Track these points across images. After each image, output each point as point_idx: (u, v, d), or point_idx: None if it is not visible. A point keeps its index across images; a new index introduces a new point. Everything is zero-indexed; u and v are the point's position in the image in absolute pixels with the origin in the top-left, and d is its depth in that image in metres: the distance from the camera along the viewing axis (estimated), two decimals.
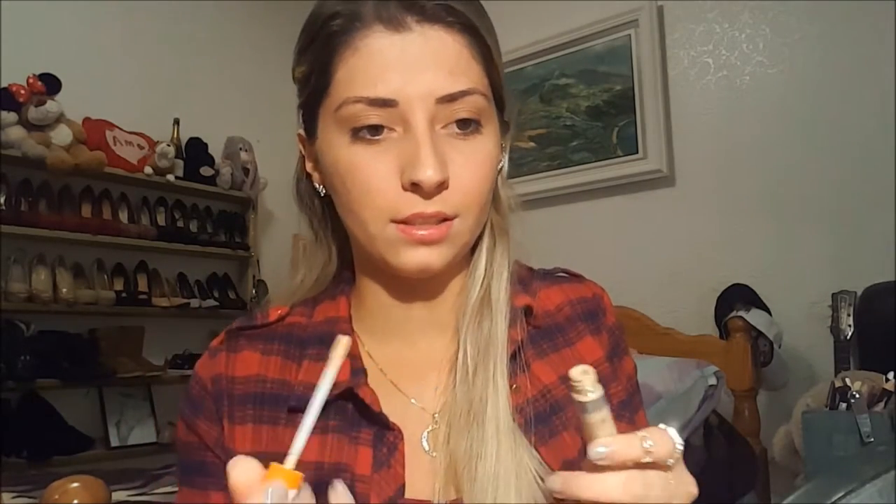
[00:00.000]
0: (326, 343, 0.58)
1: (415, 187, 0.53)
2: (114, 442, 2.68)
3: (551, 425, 0.59)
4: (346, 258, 0.66)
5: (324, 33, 0.56)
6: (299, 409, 0.54)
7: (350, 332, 0.61)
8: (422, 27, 0.53)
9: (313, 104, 0.59)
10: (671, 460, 0.41)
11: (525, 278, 0.65)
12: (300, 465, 0.46)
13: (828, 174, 2.18)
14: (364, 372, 0.59)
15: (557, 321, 0.63)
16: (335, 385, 0.54)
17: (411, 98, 0.53)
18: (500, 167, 0.62)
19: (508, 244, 0.63)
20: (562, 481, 0.40)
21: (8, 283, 2.48)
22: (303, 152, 0.65)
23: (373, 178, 0.54)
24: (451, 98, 0.53)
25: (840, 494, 0.37)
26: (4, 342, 2.40)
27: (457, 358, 0.59)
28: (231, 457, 0.54)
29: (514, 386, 0.57)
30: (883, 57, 2.09)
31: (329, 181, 0.59)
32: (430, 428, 0.59)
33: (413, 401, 0.60)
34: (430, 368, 0.62)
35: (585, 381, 0.40)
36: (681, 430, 1.64)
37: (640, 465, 0.40)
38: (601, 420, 0.40)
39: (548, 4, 2.78)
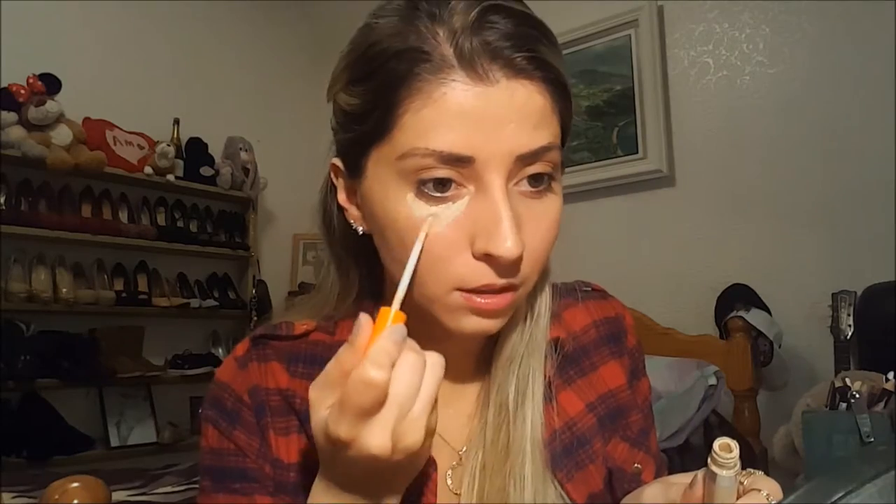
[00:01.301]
0: None
1: (489, 258, 0.49)
2: (114, 442, 2.68)
3: (577, 458, 0.58)
4: (374, 286, 0.62)
5: (387, 71, 0.49)
6: None
7: None
8: (508, 81, 0.48)
9: (365, 143, 0.51)
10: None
11: (559, 296, 0.63)
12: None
13: (828, 174, 2.18)
14: None
15: (583, 344, 0.63)
16: None
17: (490, 156, 0.48)
18: None
19: (548, 284, 0.60)
20: None
21: (8, 283, 2.48)
22: (334, 182, 0.58)
23: (440, 242, 0.49)
24: (532, 155, 0.49)
25: (840, 494, 0.36)
26: (4, 342, 2.41)
27: (489, 395, 0.58)
28: (282, 467, 0.56)
29: (542, 421, 0.57)
30: (883, 57, 2.08)
31: (377, 229, 0.53)
32: (454, 463, 0.58)
33: (440, 434, 0.57)
34: (456, 399, 0.60)
35: (731, 458, 0.43)
36: (681, 431, 1.64)
37: None
38: (729, 490, 0.43)
39: (548, 4, 2.76)
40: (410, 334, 0.60)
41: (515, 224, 0.48)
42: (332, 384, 0.44)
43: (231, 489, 0.57)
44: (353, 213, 0.56)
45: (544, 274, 0.60)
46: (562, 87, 0.51)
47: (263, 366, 0.59)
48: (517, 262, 0.49)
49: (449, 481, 0.57)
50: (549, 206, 0.52)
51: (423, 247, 0.49)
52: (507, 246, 0.47)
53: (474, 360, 0.61)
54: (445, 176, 0.48)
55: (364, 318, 0.45)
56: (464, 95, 0.47)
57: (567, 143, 0.55)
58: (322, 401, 0.45)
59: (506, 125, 0.47)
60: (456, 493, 0.56)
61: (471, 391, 0.61)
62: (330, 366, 0.45)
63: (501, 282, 0.50)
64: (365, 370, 0.42)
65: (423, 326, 0.52)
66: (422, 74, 0.47)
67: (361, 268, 0.61)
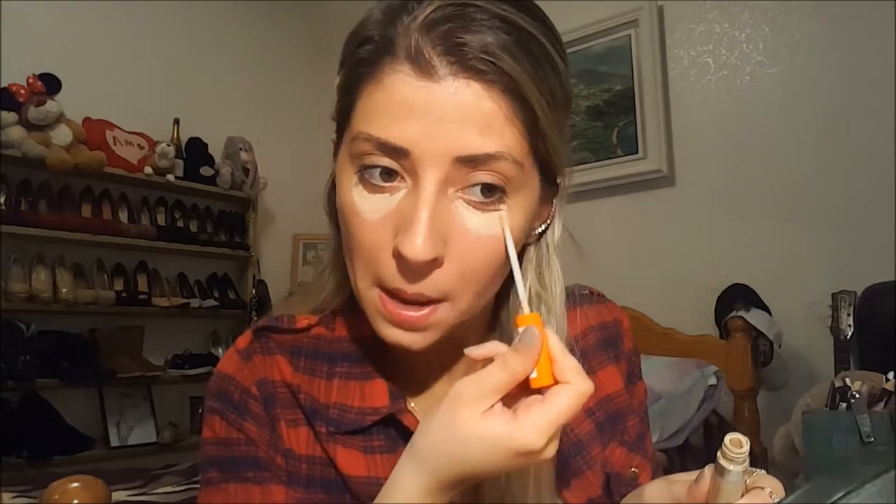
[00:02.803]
0: (355, 360, 0.58)
1: (399, 258, 0.47)
2: (114, 442, 2.68)
3: (574, 466, 0.58)
4: None
5: (356, 55, 0.50)
6: (338, 433, 0.55)
7: (380, 350, 0.59)
8: (455, 79, 0.46)
9: (341, 121, 0.53)
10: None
11: None
12: (351, 480, 0.54)
13: (828, 174, 2.18)
14: (403, 396, 0.57)
15: (581, 349, 0.62)
16: (376, 411, 0.55)
17: (426, 152, 0.46)
18: (540, 231, 0.55)
19: (562, 301, 0.56)
20: None
21: (8, 283, 2.48)
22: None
23: (367, 231, 0.49)
24: (472, 160, 0.47)
25: (840, 494, 0.36)
26: (4, 342, 2.40)
27: None
28: (294, 458, 0.56)
29: None
30: (883, 57, 2.08)
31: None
32: None
33: None
34: None
35: (741, 453, 0.44)
36: (681, 431, 1.64)
37: None
38: (735, 485, 0.44)
39: (548, 4, 2.75)
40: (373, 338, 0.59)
41: (433, 227, 0.46)
42: (497, 389, 0.44)
43: (243, 478, 0.55)
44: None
45: (550, 312, 0.55)
46: (523, 98, 0.47)
47: (268, 358, 0.58)
48: (424, 267, 0.47)
49: None
50: (493, 222, 0.49)
51: (353, 236, 0.50)
52: (414, 246, 0.46)
53: (447, 365, 0.60)
54: (385, 165, 0.48)
55: (533, 329, 0.45)
56: (408, 87, 0.47)
57: (554, 164, 0.52)
58: (478, 401, 0.44)
59: (447, 124, 0.46)
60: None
61: None
62: (493, 369, 0.44)
63: (411, 290, 0.48)
64: (585, 385, 0.44)
65: None
66: (379, 62, 0.48)
67: None
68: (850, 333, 1.85)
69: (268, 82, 3.47)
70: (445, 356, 0.58)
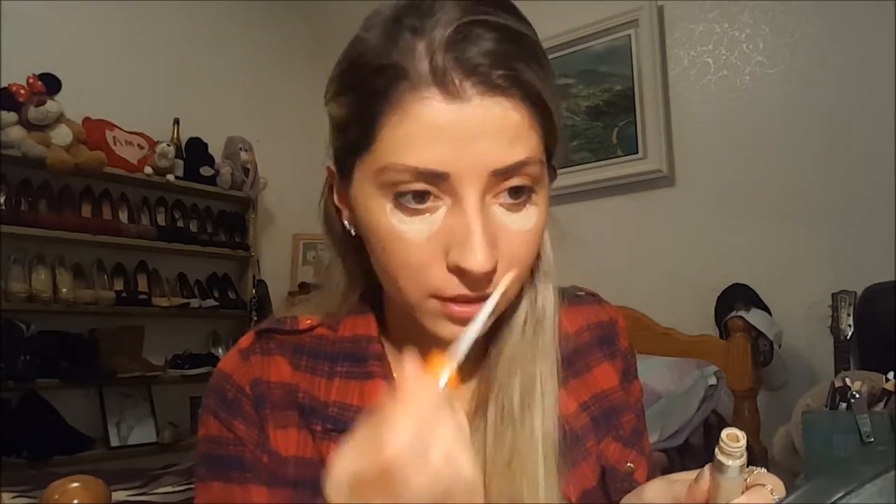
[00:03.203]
0: (356, 360, 0.59)
1: (460, 271, 0.50)
2: (114, 442, 2.68)
3: (571, 457, 0.58)
4: (374, 281, 0.62)
5: (369, 85, 0.50)
6: (335, 430, 0.56)
7: (381, 352, 0.60)
8: (482, 98, 0.48)
9: (351, 153, 0.53)
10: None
11: None
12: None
13: (828, 174, 2.18)
14: None
15: (576, 346, 0.63)
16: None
17: (464, 171, 0.48)
18: None
19: (553, 287, 0.60)
20: None
21: (8, 283, 2.48)
22: (331, 184, 0.60)
23: (415, 253, 0.50)
24: (507, 170, 0.50)
25: (840, 494, 0.36)
26: (4, 342, 2.41)
27: (487, 396, 0.58)
28: (278, 460, 0.56)
29: (555, 424, 0.57)
30: (883, 57, 2.08)
31: (364, 234, 0.55)
32: None
33: None
34: (455, 399, 0.61)
35: (738, 447, 0.43)
36: (681, 431, 1.64)
37: None
38: (734, 482, 0.44)
39: (548, 4, 2.77)
40: (403, 333, 0.60)
41: (488, 239, 0.49)
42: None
43: (227, 477, 0.57)
44: (346, 214, 0.58)
45: (547, 277, 0.60)
46: (541, 104, 0.50)
47: (266, 359, 0.60)
48: (488, 275, 0.50)
49: None
50: (529, 217, 0.52)
51: (398, 259, 0.51)
52: (477, 260, 0.48)
53: (467, 361, 0.61)
54: (422, 189, 0.49)
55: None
56: (438, 112, 0.48)
57: (555, 153, 0.56)
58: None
59: (480, 141, 0.48)
60: None
61: (464, 392, 0.61)
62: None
63: (477, 293, 0.51)
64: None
65: (414, 325, 0.54)
66: (399, 90, 0.48)
67: (364, 265, 0.61)
68: (850, 333, 1.85)
69: (268, 82, 3.47)
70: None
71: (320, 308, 0.63)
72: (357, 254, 0.61)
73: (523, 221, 0.52)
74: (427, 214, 0.50)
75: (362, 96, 0.51)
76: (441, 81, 0.47)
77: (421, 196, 0.50)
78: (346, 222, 0.58)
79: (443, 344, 0.54)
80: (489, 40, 0.48)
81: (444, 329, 0.52)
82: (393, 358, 0.61)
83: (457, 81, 0.47)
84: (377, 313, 0.62)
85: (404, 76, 0.48)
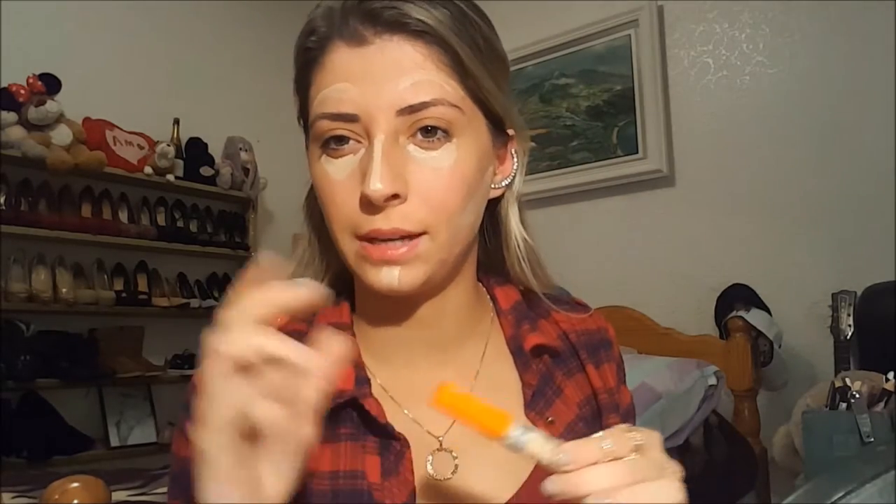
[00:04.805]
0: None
1: (365, 201, 0.52)
2: (114, 442, 2.68)
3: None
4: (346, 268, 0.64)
5: (300, 51, 0.57)
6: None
7: (353, 340, 0.60)
8: (381, 39, 0.52)
9: (303, 118, 0.59)
10: (633, 455, 0.42)
11: (531, 307, 0.64)
12: (315, 476, 0.53)
13: (828, 174, 2.18)
14: (368, 382, 0.58)
15: (562, 350, 0.63)
16: (340, 394, 0.55)
17: (371, 112, 0.52)
18: (498, 185, 0.60)
19: (515, 283, 0.62)
20: (561, 483, 0.41)
21: (8, 283, 2.48)
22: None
23: (336, 192, 0.54)
24: (412, 110, 0.52)
25: (840, 494, 0.36)
26: (4, 342, 2.40)
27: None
28: None
29: (550, 419, 0.58)
30: (883, 57, 2.09)
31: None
32: (434, 449, 0.57)
33: (416, 421, 0.58)
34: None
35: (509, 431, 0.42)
36: (681, 431, 1.63)
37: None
38: (539, 443, 0.42)
39: (548, 4, 2.77)
40: (368, 316, 0.61)
41: (388, 167, 0.51)
42: None
43: (179, 496, 0.57)
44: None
45: (501, 271, 0.63)
46: (447, 46, 0.52)
47: None
48: (393, 200, 0.51)
49: (430, 468, 0.56)
50: (447, 156, 0.53)
51: (326, 202, 0.55)
52: (374, 185, 0.50)
53: (450, 352, 0.61)
54: (340, 133, 0.53)
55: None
56: (343, 58, 0.53)
57: (499, 109, 0.57)
58: None
59: (384, 83, 0.51)
60: (437, 480, 0.56)
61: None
62: None
63: (388, 226, 0.52)
64: None
65: (375, 305, 0.59)
66: (317, 48, 0.54)
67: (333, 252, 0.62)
68: (850, 333, 1.85)
69: (268, 82, 3.46)
70: (424, 346, 0.60)
71: None
72: (329, 238, 0.61)
73: (438, 160, 0.53)
74: (350, 156, 0.53)
75: (298, 61, 0.58)
76: (346, 29, 0.52)
77: (339, 140, 0.53)
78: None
79: (405, 328, 0.58)
80: None
81: (372, 275, 0.53)
82: (368, 355, 0.61)
83: (356, 27, 0.52)
84: (352, 301, 0.63)
85: (320, 35, 0.54)
